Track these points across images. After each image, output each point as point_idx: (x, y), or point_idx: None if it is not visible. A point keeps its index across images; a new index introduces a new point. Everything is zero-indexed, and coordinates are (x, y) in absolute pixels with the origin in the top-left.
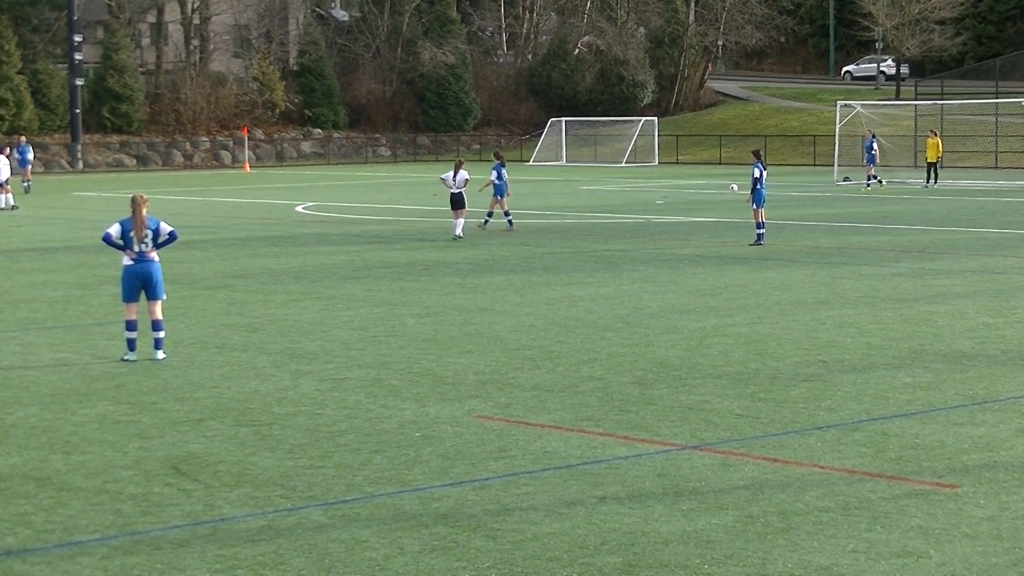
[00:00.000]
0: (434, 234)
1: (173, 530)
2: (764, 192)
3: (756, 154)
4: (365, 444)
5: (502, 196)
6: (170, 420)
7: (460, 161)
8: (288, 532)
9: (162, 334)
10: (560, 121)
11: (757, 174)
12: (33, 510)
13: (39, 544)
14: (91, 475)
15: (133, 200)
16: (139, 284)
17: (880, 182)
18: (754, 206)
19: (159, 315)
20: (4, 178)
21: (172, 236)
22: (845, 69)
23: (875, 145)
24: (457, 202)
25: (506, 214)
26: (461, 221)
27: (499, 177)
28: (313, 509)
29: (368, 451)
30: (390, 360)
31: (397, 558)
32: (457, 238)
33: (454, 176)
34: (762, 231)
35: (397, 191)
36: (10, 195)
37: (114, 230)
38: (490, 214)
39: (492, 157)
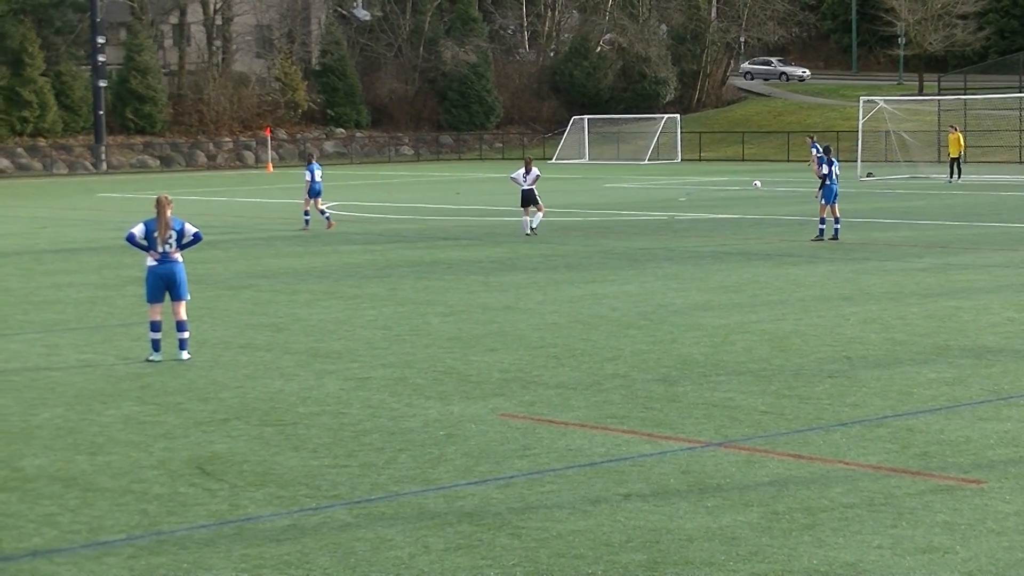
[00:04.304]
0: (457, 233)
1: (199, 530)
2: (836, 188)
3: (826, 150)
4: (390, 443)
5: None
6: (195, 420)
7: (529, 159)
8: (313, 531)
9: (186, 334)
10: (582, 119)
11: (827, 170)
12: (59, 511)
13: (65, 544)
14: (117, 475)
15: (158, 201)
16: (163, 285)
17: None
18: (822, 201)
19: (183, 316)
20: None
21: (196, 237)
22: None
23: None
24: (529, 199)
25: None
26: (540, 216)
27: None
28: (338, 508)
29: (393, 450)
30: (414, 359)
31: (422, 556)
32: (532, 232)
33: (525, 174)
34: (830, 226)
35: (420, 190)
36: None
37: (138, 230)
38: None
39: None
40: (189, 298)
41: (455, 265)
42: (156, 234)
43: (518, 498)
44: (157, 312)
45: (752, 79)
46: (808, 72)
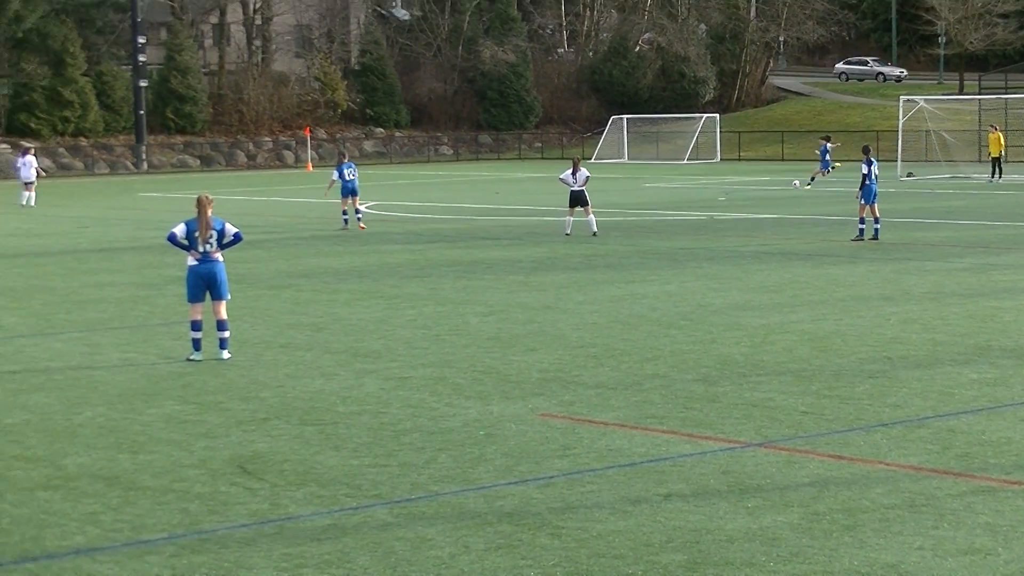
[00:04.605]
0: (496, 232)
1: (239, 529)
2: (875, 188)
3: (865, 150)
4: (429, 442)
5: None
6: (236, 419)
7: (576, 159)
8: (353, 531)
9: (227, 334)
10: (621, 118)
11: (866, 170)
12: (102, 509)
13: (108, 543)
14: (158, 474)
15: (199, 200)
16: (204, 284)
17: (809, 182)
18: (862, 201)
19: (224, 315)
20: (31, 178)
21: (237, 237)
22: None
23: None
24: (579, 199)
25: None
26: (592, 217)
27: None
28: (378, 508)
29: (432, 449)
30: (454, 358)
31: (462, 556)
32: (594, 234)
33: (573, 174)
34: (870, 226)
35: (459, 190)
36: (33, 194)
37: (179, 230)
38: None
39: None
40: (229, 297)
41: (495, 265)
42: (197, 234)
43: (558, 498)
44: (198, 311)
45: (847, 80)
46: (905, 72)
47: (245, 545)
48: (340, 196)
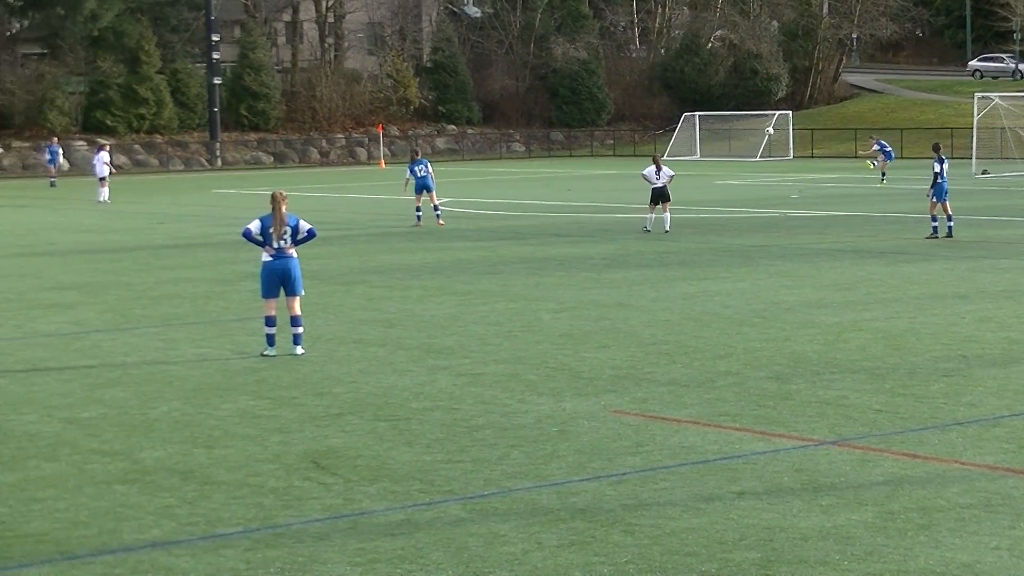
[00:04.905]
0: (568, 229)
1: (313, 523)
2: (946, 185)
3: (936, 148)
4: (502, 439)
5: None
6: (309, 415)
7: (658, 156)
8: (427, 526)
9: (301, 329)
10: (693, 115)
11: (938, 168)
12: (177, 503)
13: (183, 536)
14: (233, 469)
15: (273, 197)
16: (278, 280)
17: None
18: (933, 199)
19: (298, 311)
20: (104, 174)
21: (311, 234)
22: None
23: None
24: (661, 196)
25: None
26: (667, 216)
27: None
28: (451, 503)
29: (505, 445)
30: (526, 355)
31: (535, 552)
32: (666, 232)
33: (657, 171)
34: (943, 224)
35: (531, 186)
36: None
37: (254, 226)
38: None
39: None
40: (303, 293)
41: (567, 261)
42: (271, 230)
43: (631, 495)
44: (272, 307)
45: (981, 77)
46: None
47: (319, 540)
48: (414, 193)
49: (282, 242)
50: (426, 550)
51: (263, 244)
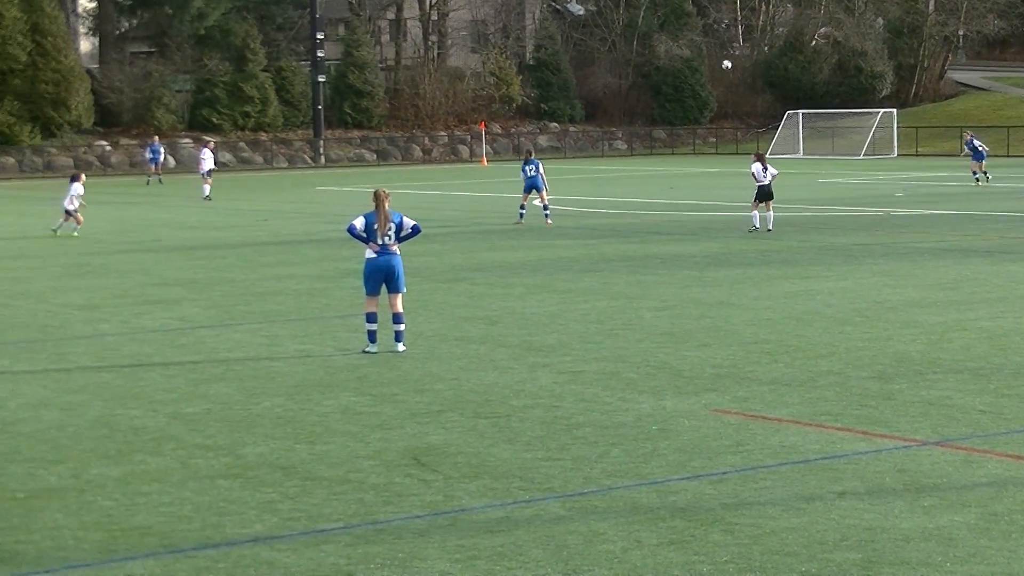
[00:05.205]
0: (670, 227)
1: (413, 520)
2: None
3: None
4: (602, 437)
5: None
6: (410, 411)
7: (761, 153)
8: (526, 523)
9: (403, 327)
10: (796, 113)
11: None
12: (279, 498)
13: (285, 531)
14: (334, 464)
15: (376, 195)
16: (381, 277)
17: (982, 178)
18: None
19: (400, 308)
20: (207, 169)
21: (415, 230)
22: None
23: (976, 143)
24: (768, 194)
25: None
26: (771, 214)
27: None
28: (551, 501)
29: (605, 444)
30: (627, 353)
31: (635, 551)
32: (768, 230)
33: (764, 169)
34: None
35: (633, 184)
36: (208, 186)
37: (359, 223)
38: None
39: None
40: (406, 291)
41: (668, 260)
42: (376, 226)
43: (731, 494)
44: (374, 304)
45: None
46: None
47: (419, 536)
48: (522, 191)
49: (386, 239)
50: (525, 547)
51: (367, 241)
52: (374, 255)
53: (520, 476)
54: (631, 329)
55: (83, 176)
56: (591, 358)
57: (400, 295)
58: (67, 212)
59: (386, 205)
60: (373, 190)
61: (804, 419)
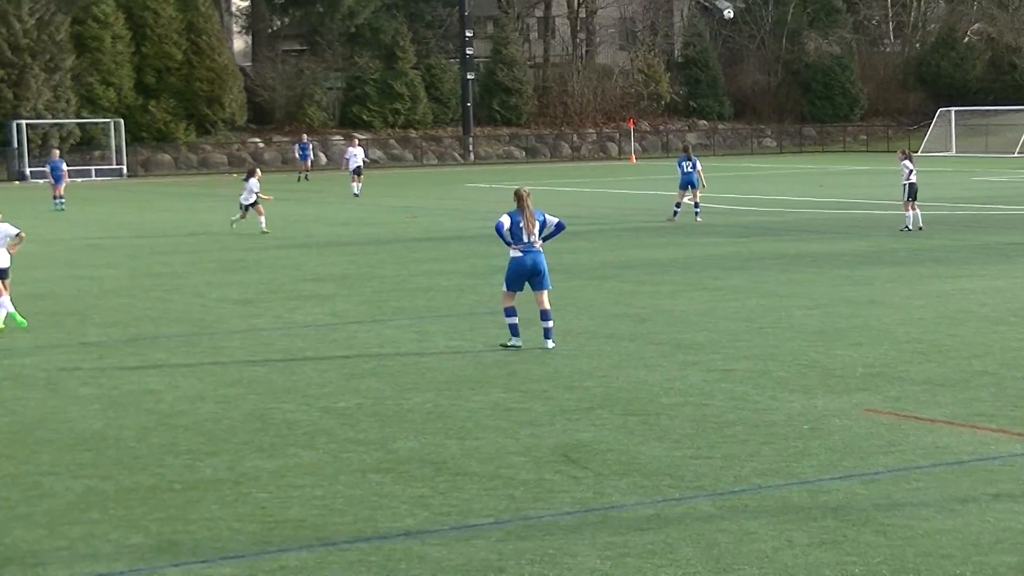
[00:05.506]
0: (820, 226)
1: (564, 516)
2: None
3: None
4: (753, 435)
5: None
6: (560, 408)
7: (907, 150)
8: (677, 521)
9: (551, 324)
10: (949, 111)
11: None
12: (430, 493)
13: (436, 526)
14: (484, 460)
15: (518, 194)
16: (527, 275)
17: None
18: None
19: (547, 305)
20: (355, 166)
21: (559, 227)
22: None
23: None
24: (915, 193)
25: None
26: (918, 212)
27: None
28: (701, 499)
29: (756, 442)
30: (777, 351)
31: (786, 550)
32: (919, 229)
33: (910, 165)
34: None
35: (783, 182)
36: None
37: (505, 221)
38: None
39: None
40: (551, 287)
41: (819, 258)
42: (521, 225)
43: (883, 494)
44: (512, 299)
45: None
46: None
47: (569, 532)
48: (678, 188)
49: (532, 237)
50: (676, 545)
51: (511, 243)
52: (520, 254)
53: (670, 474)
54: (781, 327)
55: (258, 172)
56: (741, 356)
57: (546, 292)
58: (244, 207)
59: (529, 203)
60: (514, 190)
61: (958, 420)
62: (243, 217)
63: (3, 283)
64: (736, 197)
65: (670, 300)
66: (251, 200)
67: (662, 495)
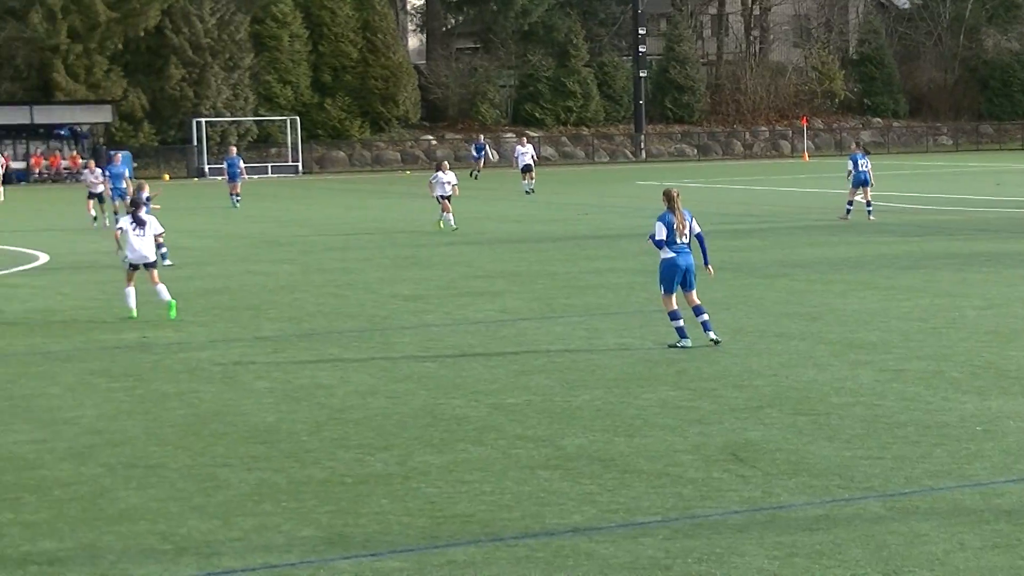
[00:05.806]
0: (996, 224)
1: (731, 515)
2: None
3: None
4: (924, 436)
5: None
6: (729, 407)
7: None
8: (845, 522)
9: (707, 316)
10: None
11: None
12: (598, 490)
13: (603, 523)
14: (652, 458)
15: (668, 195)
16: (680, 276)
17: None
18: None
19: (698, 300)
20: (524, 164)
21: (700, 239)
22: None
23: None
24: None
25: None
26: None
27: None
28: (871, 500)
29: (928, 444)
30: (950, 352)
31: (957, 553)
32: None
33: None
34: None
35: (959, 181)
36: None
37: (661, 230)
38: None
39: None
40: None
41: (994, 257)
42: (675, 227)
43: None
44: (673, 301)
45: None
46: None
47: (737, 531)
48: (851, 186)
49: (684, 239)
50: (845, 546)
51: (661, 245)
52: (672, 255)
53: (840, 474)
54: (955, 327)
55: (446, 164)
56: (913, 356)
57: (694, 290)
58: (441, 200)
59: (680, 204)
60: (663, 190)
61: None
62: (447, 212)
63: (153, 273)
64: (910, 195)
65: (841, 299)
66: (448, 192)
67: (831, 495)
